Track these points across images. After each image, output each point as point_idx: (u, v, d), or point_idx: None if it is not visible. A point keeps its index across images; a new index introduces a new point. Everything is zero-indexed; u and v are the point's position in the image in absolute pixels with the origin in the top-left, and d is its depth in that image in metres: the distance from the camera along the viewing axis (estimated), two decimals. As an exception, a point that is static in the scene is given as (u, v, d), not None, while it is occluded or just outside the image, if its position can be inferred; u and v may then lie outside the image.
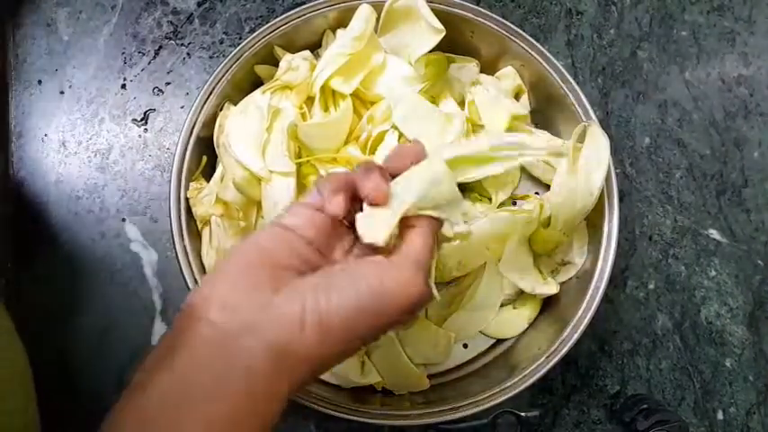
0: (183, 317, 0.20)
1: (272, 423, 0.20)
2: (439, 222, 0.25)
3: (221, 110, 0.37)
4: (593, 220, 0.38)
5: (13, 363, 0.27)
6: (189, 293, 0.21)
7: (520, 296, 0.38)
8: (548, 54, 0.39)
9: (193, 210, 0.35)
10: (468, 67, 0.40)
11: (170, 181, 0.34)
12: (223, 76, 0.36)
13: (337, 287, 0.21)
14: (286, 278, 0.21)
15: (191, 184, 0.35)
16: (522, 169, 0.41)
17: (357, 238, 0.24)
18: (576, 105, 0.38)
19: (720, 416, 0.43)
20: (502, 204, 0.39)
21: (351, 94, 0.36)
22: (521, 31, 0.39)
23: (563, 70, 0.39)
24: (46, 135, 0.43)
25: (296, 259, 0.22)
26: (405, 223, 0.24)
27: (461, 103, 0.39)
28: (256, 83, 0.38)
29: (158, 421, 0.18)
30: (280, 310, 0.20)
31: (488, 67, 0.41)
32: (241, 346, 0.19)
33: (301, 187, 0.34)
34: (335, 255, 0.24)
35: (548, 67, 0.39)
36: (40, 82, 0.44)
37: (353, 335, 0.21)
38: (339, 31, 0.38)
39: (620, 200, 0.37)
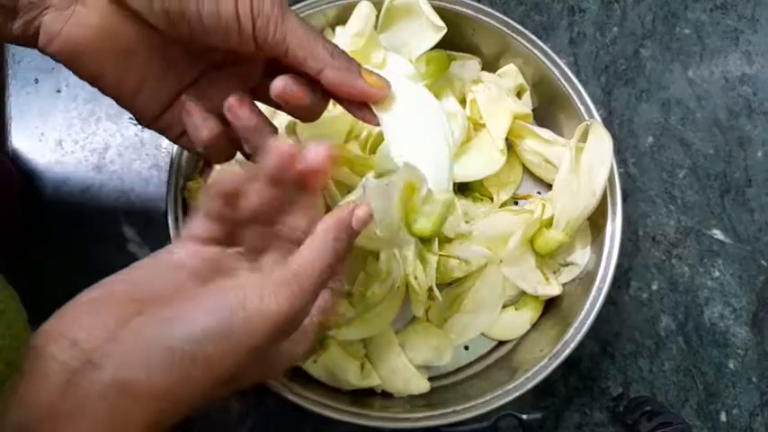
0: (29, 355, 0.18)
1: None
2: (350, 235, 0.21)
3: (219, 108, 0.36)
4: (596, 220, 0.37)
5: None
6: (35, 333, 0.19)
7: (522, 297, 0.38)
8: (550, 52, 0.38)
9: (190, 209, 0.34)
10: (470, 65, 0.40)
11: (167, 181, 0.34)
12: (221, 74, 0.35)
13: (190, 319, 0.18)
14: (154, 312, 0.19)
15: (188, 183, 0.35)
16: (524, 168, 0.41)
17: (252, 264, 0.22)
18: (579, 104, 0.38)
19: (724, 418, 0.43)
20: (503, 204, 0.39)
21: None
22: (522, 29, 0.38)
23: (565, 68, 0.38)
24: (42, 134, 0.43)
25: (172, 292, 0.20)
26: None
27: (462, 102, 0.39)
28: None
29: None
30: (123, 346, 0.18)
31: (490, 65, 0.41)
32: (82, 385, 0.17)
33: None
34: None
35: (550, 66, 0.38)
36: (36, 81, 0.44)
37: (215, 372, 0.18)
38: (338, 29, 0.38)
39: (624, 200, 0.37)
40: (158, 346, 0.18)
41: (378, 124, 0.24)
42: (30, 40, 0.21)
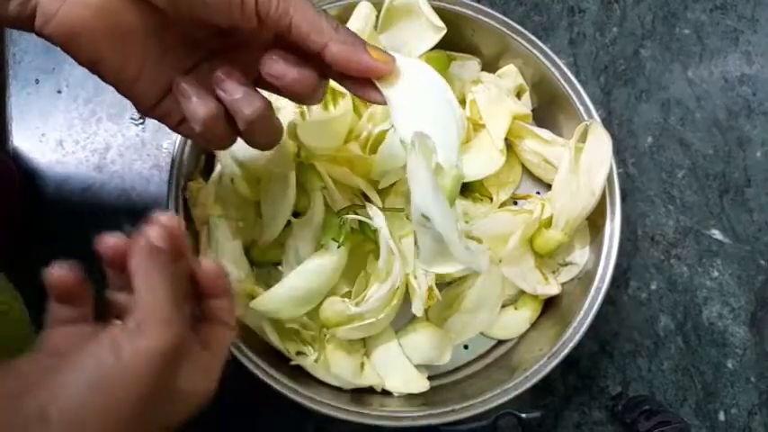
0: None
1: None
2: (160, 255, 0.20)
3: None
4: (595, 220, 0.37)
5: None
6: None
7: (521, 297, 0.38)
8: (549, 52, 0.38)
9: (192, 210, 0.35)
10: (469, 66, 0.40)
11: (168, 181, 0.34)
12: (221, 74, 0.35)
13: (69, 384, 0.17)
14: None
15: (189, 183, 0.35)
16: (524, 168, 0.41)
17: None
18: (578, 104, 0.38)
19: (722, 417, 0.43)
20: (503, 204, 0.39)
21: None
22: (522, 29, 0.38)
23: (565, 69, 0.38)
24: (43, 134, 0.43)
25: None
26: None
27: (462, 102, 0.39)
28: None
29: None
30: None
31: (489, 66, 0.41)
32: None
33: (301, 187, 0.34)
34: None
35: (549, 66, 0.38)
36: (37, 81, 0.44)
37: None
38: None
39: (623, 200, 0.37)
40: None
41: (383, 102, 0.24)
42: (26, 21, 0.20)
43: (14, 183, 0.41)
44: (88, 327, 0.21)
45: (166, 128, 0.46)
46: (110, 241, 0.22)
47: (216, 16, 0.20)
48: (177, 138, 0.35)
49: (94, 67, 0.21)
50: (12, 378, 0.19)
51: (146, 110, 0.24)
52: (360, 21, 0.36)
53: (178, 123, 0.24)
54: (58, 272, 0.21)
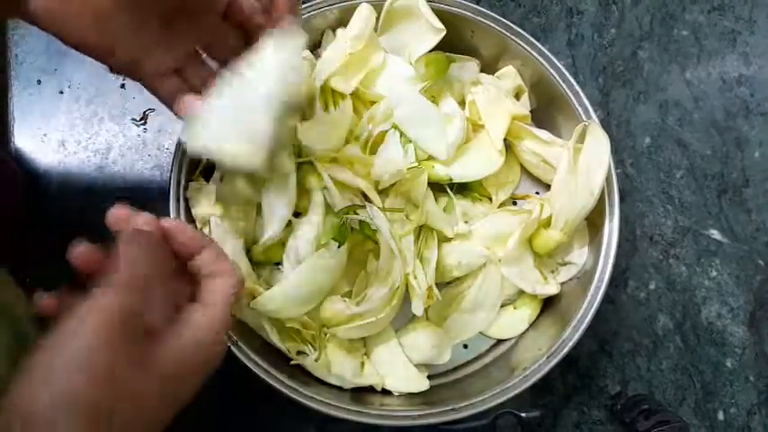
0: None
1: None
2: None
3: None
4: (594, 220, 0.37)
5: None
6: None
7: (520, 296, 0.38)
8: (548, 54, 0.38)
9: (193, 210, 0.35)
10: (469, 67, 0.40)
11: (169, 181, 0.34)
12: (222, 75, 0.35)
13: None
14: None
15: (190, 184, 0.35)
16: (523, 169, 0.41)
17: None
18: (577, 105, 0.38)
19: (721, 416, 0.43)
20: (502, 204, 0.39)
21: (351, 94, 0.36)
22: (521, 31, 0.38)
23: (563, 70, 0.38)
24: (45, 135, 0.43)
25: None
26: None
27: (462, 103, 0.39)
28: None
29: None
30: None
31: (488, 67, 0.41)
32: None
33: (301, 187, 0.34)
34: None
35: (548, 67, 0.38)
36: (39, 82, 0.44)
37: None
38: (339, 31, 0.38)
39: (621, 200, 0.37)
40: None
41: None
42: (9, 11, 0.22)
43: (17, 183, 0.41)
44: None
45: (168, 128, 0.46)
46: (80, 249, 0.24)
47: None
48: (178, 138, 0.35)
49: (75, 44, 0.23)
50: None
51: (124, 71, 0.27)
52: (360, 22, 0.36)
53: (152, 79, 0.27)
54: (79, 248, 0.24)
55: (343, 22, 0.38)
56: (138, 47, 0.25)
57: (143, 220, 0.25)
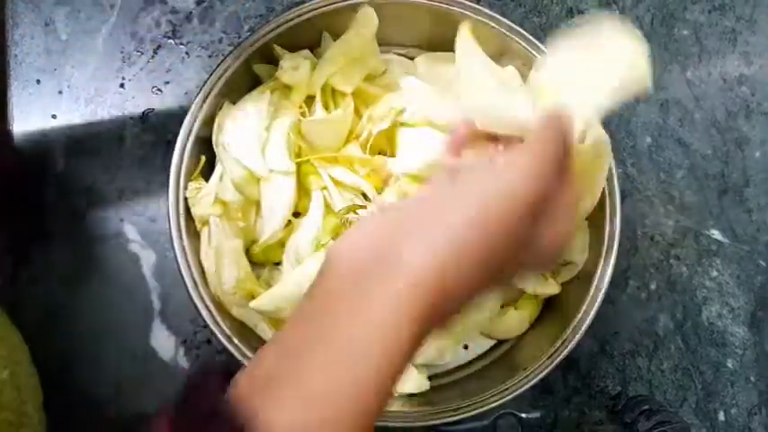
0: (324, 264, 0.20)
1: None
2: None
3: (220, 109, 0.36)
4: (595, 220, 0.37)
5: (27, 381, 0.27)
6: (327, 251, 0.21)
7: (521, 297, 0.38)
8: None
9: (192, 210, 0.35)
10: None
11: (168, 181, 0.34)
12: (222, 75, 0.35)
13: (465, 200, 0.20)
14: None
15: (189, 184, 0.35)
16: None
17: None
18: (578, 105, 0.38)
19: (722, 417, 0.43)
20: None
21: (351, 93, 0.36)
22: (522, 31, 0.38)
23: (564, 69, 0.38)
24: (44, 135, 0.43)
25: None
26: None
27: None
28: (255, 82, 0.38)
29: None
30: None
31: (489, 67, 0.41)
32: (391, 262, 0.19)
33: (301, 187, 0.34)
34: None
35: (549, 67, 0.38)
36: (38, 81, 0.44)
37: (485, 254, 0.20)
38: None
39: (622, 200, 0.37)
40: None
41: None
42: None
43: (23, 182, 0.41)
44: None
45: (167, 128, 0.46)
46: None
47: None
48: (178, 138, 0.35)
49: None
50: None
51: None
52: (362, 23, 0.36)
53: None
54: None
55: (343, 21, 0.38)
56: None
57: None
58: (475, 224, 0.20)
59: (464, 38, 0.28)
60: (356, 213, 0.32)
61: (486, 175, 0.21)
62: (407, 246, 0.19)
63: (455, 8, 0.38)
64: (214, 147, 0.36)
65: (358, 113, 0.37)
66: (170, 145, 0.42)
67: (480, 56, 0.28)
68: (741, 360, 0.44)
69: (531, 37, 0.38)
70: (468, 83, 0.27)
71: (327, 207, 0.34)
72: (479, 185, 0.21)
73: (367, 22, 0.36)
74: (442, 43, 0.38)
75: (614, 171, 0.36)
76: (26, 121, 0.43)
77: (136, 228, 0.41)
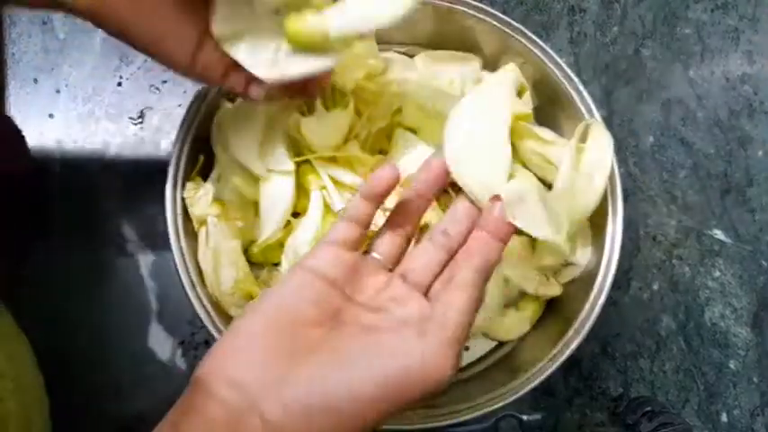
0: (193, 391, 0.19)
1: None
2: (492, 263, 0.22)
3: (218, 108, 0.36)
4: (597, 220, 0.37)
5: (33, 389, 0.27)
6: (202, 360, 0.20)
7: (522, 297, 0.38)
8: (550, 52, 0.38)
9: (190, 210, 0.34)
10: (470, 65, 0.40)
11: (166, 180, 0.34)
12: (220, 73, 0.35)
13: (352, 377, 0.19)
14: (304, 338, 0.20)
15: (187, 183, 0.34)
16: (525, 169, 0.41)
17: (390, 273, 0.23)
18: (579, 104, 0.38)
19: (724, 418, 0.42)
20: (504, 204, 0.38)
21: (351, 92, 0.35)
22: (523, 29, 0.38)
23: (566, 68, 0.38)
24: (42, 134, 0.43)
25: (315, 309, 0.21)
26: (449, 275, 0.21)
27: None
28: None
29: None
30: (288, 395, 0.19)
31: (490, 65, 0.41)
32: (247, 426, 0.18)
33: (300, 187, 0.34)
34: (364, 295, 0.22)
35: (550, 65, 0.38)
36: (35, 81, 0.44)
37: (363, 423, 0.19)
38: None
39: (624, 200, 0.37)
40: (321, 404, 0.19)
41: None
42: (57, 6, 0.22)
43: (34, 180, 0.40)
44: (359, 257, 0.23)
45: (165, 128, 0.46)
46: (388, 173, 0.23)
47: None
48: (176, 137, 0.35)
49: (122, 35, 0.23)
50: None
51: (184, 69, 0.26)
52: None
53: (222, 76, 0.26)
54: (387, 172, 0.22)
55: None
56: (196, 39, 0.24)
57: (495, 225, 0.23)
58: (365, 401, 0.19)
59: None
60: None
61: (404, 337, 0.20)
62: (275, 406, 0.18)
63: (456, 6, 0.38)
64: (212, 146, 0.36)
65: (358, 112, 0.36)
66: (168, 144, 0.42)
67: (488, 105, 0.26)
68: (744, 361, 0.44)
69: (532, 35, 0.38)
70: (456, 131, 0.26)
71: (327, 207, 0.34)
72: (391, 353, 0.19)
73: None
74: (443, 41, 0.38)
75: (616, 170, 0.36)
76: (24, 120, 0.43)
77: (133, 228, 0.41)
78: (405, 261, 0.23)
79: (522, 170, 0.25)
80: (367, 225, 0.23)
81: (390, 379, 0.19)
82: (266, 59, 0.25)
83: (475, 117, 0.26)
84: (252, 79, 0.26)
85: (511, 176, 0.25)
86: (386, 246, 0.24)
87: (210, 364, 0.20)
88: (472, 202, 0.25)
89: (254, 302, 0.22)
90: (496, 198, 0.23)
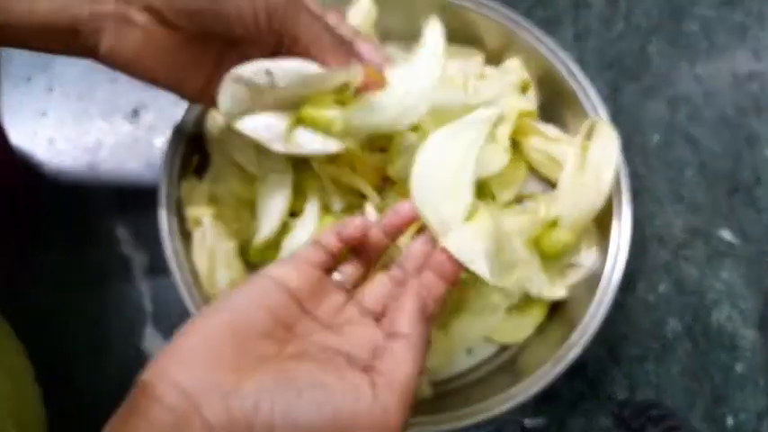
0: (136, 395, 0.19)
1: None
2: (430, 324, 0.23)
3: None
4: (603, 220, 0.36)
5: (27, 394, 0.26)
6: (149, 363, 0.20)
7: (526, 300, 0.37)
8: (555, 47, 0.37)
9: (185, 210, 0.34)
10: (473, 60, 0.39)
11: (160, 179, 0.33)
12: (216, 70, 0.34)
13: (300, 403, 0.19)
14: (254, 350, 0.20)
15: (182, 183, 0.34)
16: (529, 168, 0.40)
17: (348, 295, 0.24)
18: (585, 100, 0.37)
19: (731, 421, 0.42)
20: (507, 204, 0.38)
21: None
22: (527, 24, 0.38)
23: (570, 64, 0.37)
24: (35, 132, 0.42)
25: (270, 318, 0.21)
26: (390, 329, 0.22)
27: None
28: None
29: None
30: (233, 405, 0.19)
31: (493, 60, 0.40)
32: (190, 430, 0.18)
33: (297, 187, 0.33)
34: (321, 312, 0.23)
35: (555, 61, 0.37)
36: (28, 79, 0.43)
37: None
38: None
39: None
40: (264, 423, 0.19)
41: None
42: (86, 54, 0.25)
43: (18, 189, 0.40)
44: (322, 275, 0.24)
45: (159, 126, 0.45)
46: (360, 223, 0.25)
47: (234, 30, 0.25)
48: (170, 136, 0.34)
49: (149, 79, 0.26)
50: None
51: (192, 100, 0.31)
52: (359, 16, 0.35)
53: None
54: (358, 222, 0.25)
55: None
56: (205, 77, 0.27)
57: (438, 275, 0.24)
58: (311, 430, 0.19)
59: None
60: (353, 213, 0.31)
61: (355, 380, 0.20)
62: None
63: (461, 0, 0.37)
64: (207, 145, 0.35)
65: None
66: (162, 143, 0.42)
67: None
68: (751, 363, 0.43)
69: (536, 30, 0.38)
70: (424, 167, 0.26)
71: (324, 207, 0.33)
72: (342, 392, 0.19)
73: (366, 14, 0.35)
74: (446, 36, 0.37)
75: (623, 169, 0.35)
76: (16, 119, 0.42)
77: (127, 228, 0.40)
78: (362, 289, 0.25)
79: (483, 210, 0.26)
80: (335, 255, 0.25)
81: (339, 418, 0.19)
82: (279, 134, 0.28)
83: (445, 154, 0.26)
84: None
85: (471, 215, 0.26)
86: (348, 271, 0.25)
87: (157, 367, 0.20)
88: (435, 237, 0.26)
89: (211, 305, 0.22)
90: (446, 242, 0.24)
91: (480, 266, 0.23)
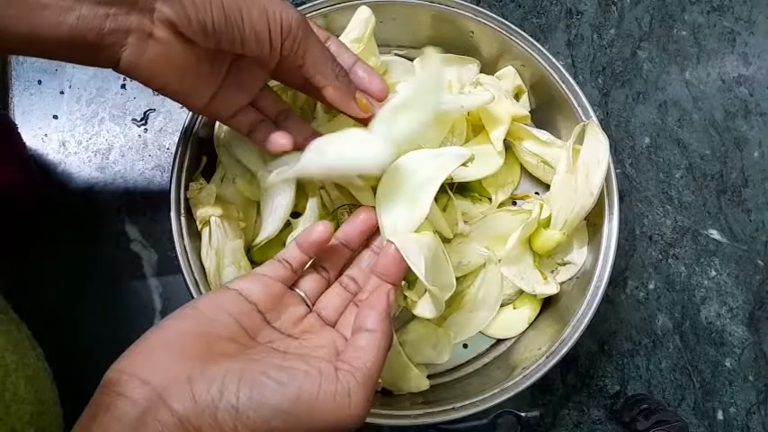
0: (102, 392, 0.20)
1: None
2: (391, 323, 0.24)
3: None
4: (594, 219, 0.37)
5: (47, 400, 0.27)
6: (114, 362, 0.21)
7: (520, 296, 0.38)
8: (548, 54, 0.38)
9: (193, 210, 0.35)
10: (469, 67, 0.40)
11: (170, 181, 0.34)
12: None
13: (264, 384, 0.19)
14: (219, 348, 0.21)
15: (190, 184, 0.35)
16: (523, 169, 0.41)
17: (310, 308, 0.25)
18: (576, 105, 0.38)
19: (720, 416, 0.43)
20: (502, 204, 0.39)
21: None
22: (521, 31, 0.39)
23: (563, 70, 0.38)
24: (46, 135, 0.43)
25: (234, 325, 0.22)
26: (358, 325, 0.23)
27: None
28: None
29: None
30: (198, 390, 0.19)
31: (488, 67, 0.41)
32: (156, 422, 0.19)
33: (300, 187, 0.34)
34: (282, 323, 0.24)
35: (548, 68, 0.38)
36: (39, 82, 0.44)
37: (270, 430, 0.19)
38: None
39: (620, 200, 0.37)
40: (228, 406, 0.19)
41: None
42: (107, 65, 0.26)
43: (38, 184, 0.41)
44: (285, 290, 0.25)
45: (168, 129, 0.46)
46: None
47: (248, 49, 0.26)
48: (179, 138, 0.35)
49: (162, 91, 0.27)
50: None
51: (198, 112, 0.32)
52: (359, 25, 0.36)
53: (229, 118, 0.30)
54: (320, 227, 0.26)
55: (342, 23, 0.38)
56: (213, 90, 0.28)
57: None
58: (276, 412, 0.19)
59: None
60: (348, 212, 0.33)
61: (319, 362, 0.21)
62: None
63: (455, 9, 0.38)
64: (215, 147, 0.36)
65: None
66: (171, 146, 0.43)
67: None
68: (739, 359, 0.44)
69: (530, 38, 0.39)
70: (392, 177, 0.28)
71: (325, 207, 0.34)
72: (305, 372, 0.20)
73: (365, 22, 0.36)
74: (442, 44, 0.39)
75: (613, 171, 0.36)
76: (28, 121, 0.43)
77: (137, 227, 0.41)
78: (320, 301, 0.27)
79: (431, 231, 0.29)
80: (298, 269, 0.26)
81: (303, 399, 0.19)
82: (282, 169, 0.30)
83: (415, 169, 0.28)
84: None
85: (420, 230, 0.28)
86: (309, 284, 0.27)
87: (122, 364, 0.20)
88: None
89: (175, 312, 0.23)
90: (389, 242, 0.26)
91: (419, 266, 0.25)
